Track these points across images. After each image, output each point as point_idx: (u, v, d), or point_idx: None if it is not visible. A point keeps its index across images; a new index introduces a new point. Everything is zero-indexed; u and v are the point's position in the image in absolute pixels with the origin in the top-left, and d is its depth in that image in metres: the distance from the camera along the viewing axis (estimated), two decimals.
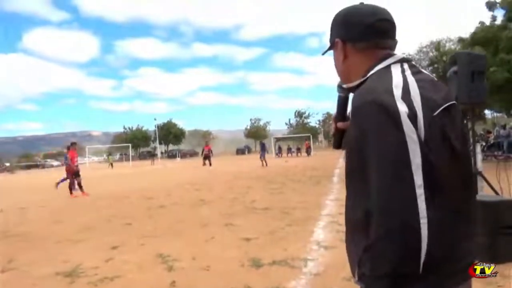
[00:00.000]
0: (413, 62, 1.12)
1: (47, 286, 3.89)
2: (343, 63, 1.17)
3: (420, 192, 0.88)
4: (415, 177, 0.88)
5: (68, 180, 12.81)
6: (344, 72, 1.19)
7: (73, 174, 12.43)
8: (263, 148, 25.78)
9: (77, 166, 12.54)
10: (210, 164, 24.78)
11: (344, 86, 1.21)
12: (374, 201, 0.93)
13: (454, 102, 1.06)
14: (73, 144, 13.16)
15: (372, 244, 0.93)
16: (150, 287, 3.72)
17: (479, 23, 17.31)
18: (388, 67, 1.06)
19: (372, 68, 1.09)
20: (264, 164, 23.57)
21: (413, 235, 0.87)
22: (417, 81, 1.01)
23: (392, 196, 0.89)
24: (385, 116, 0.92)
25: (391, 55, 1.10)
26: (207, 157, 25.46)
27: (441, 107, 0.99)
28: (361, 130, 0.97)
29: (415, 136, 0.90)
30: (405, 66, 1.07)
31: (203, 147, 28.04)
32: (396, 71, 1.04)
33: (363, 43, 1.12)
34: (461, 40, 18.79)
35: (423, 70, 1.11)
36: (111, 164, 40.78)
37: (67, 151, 13.15)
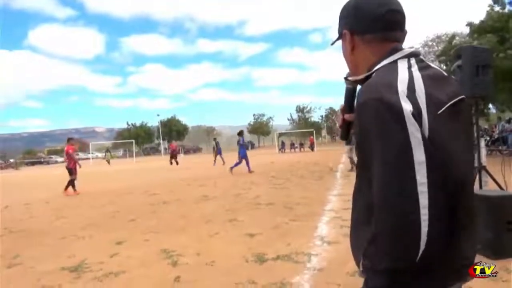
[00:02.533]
0: (422, 57, 1.09)
1: (52, 281, 3.92)
2: (351, 54, 1.16)
3: (422, 189, 0.87)
4: (417, 176, 0.88)
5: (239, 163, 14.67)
6: (352, 63, 1.18)
7: (72, 171, 12.00)
8: (218, 147, 25.21)
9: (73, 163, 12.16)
10: (177, 163, 24.01)
11: (350, 78, 1.19)
12: (376, 197, 0.93)
13: (462, 97, 1.04)
14: (69, 139, 12.73)
15: (372, 239, 0.95)
16: (154, 282, 3.74)
17: (489, 6, 17.11)
18: (394, 62, 1.05)
19: (378, 63, 1.07)
20: (222, 162, 23.16)
21: (413, 233, 0.86)
22: (423, 77, 0.99)
23: (394, 194, 0.89)
24: (388, 114, 0.91)
25: (399, 49, 1.07)
26: (173, 156, 24.73)
27: (446, 104, 0.97)
28: (365, 128, 0.97)
29: (419, 134, 0.89)
30: (412, 61, 1.05)
31: (169, 145, 27.18)
32: (402, 66, 1.02)
33: (371, 35, 1.10)
34: (469, 24, 18.49)
35: (431, 65, 1.08)
36: (108, 161, 40.62)
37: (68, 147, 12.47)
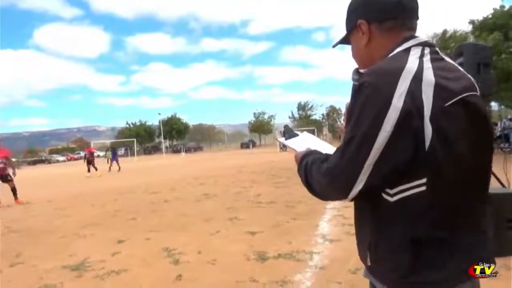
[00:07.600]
0: (437, 49, 1.04)
1: (54, 279, 3.93)
2: (365, 47, 1.10)
3: (361, 178, 0.93)
4: (363, 170, 0.92)
5: None
6: (366, 57, 1.11)
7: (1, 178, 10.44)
8: (114, 152, 25.60)
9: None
10: (96, 169, 21.62)
11: (362, 71, 1.12)
12: (330, 159, 1.00)
13: (474, 93, 0.99)
14: None
15: (321, 172, 1.02)
16: (156, 280, 3.75)
17: (495, 9, 17.12)
18: (407, 49, 1.00)
19: (392, 51, 1.03)
20: (117, 167, 23.38)
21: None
22: (435, 68, 0.94)
23: (338, 172, 0.97)
24: (375, 102, 0.90)
25: (414, 37, 1.03)
26: (89, 161, 22.17)
27: (457, 96, 0.93)
28: (352, 105, 0.97)
29: (386, 134, 0.88)
30: (426, 50, 1.00)
31: (86, 149, 25.04)
32: (414, 55, 0.98)
33: (391, 22, 1.05)
34: (471, 22, 18.46)
35: (446, 58, 1.03)
36: (109, 160, 40.03)
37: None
